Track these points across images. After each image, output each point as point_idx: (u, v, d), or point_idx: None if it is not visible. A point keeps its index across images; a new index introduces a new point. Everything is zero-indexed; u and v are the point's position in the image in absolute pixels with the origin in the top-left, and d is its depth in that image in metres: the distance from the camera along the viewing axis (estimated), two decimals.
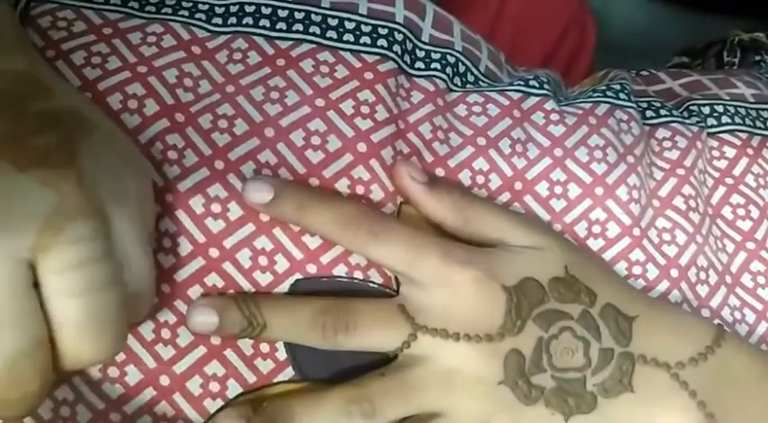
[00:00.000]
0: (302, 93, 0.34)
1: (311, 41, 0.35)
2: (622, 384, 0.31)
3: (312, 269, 0.32)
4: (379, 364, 0.32)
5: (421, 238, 0.32)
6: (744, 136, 0.41)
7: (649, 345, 0.32)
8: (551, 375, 0.31)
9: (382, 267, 0.33)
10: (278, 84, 0.34)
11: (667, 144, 0.39)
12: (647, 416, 0.32)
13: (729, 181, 0.39)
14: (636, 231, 0.35)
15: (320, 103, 0.34)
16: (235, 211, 0.32)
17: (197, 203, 0.32)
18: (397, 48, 0.36)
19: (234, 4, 0.36)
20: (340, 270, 0.33)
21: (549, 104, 0.38)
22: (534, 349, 0.31)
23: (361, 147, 0.34)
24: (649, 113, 0.41)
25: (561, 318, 0.32)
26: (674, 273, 0.36)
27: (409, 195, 0.33)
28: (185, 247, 0.32)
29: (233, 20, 0.35)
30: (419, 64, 0.37)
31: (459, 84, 0.38)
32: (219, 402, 0.31)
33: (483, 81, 0.40)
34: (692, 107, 0.42)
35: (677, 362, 0.32)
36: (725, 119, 0.41)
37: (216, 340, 0.31)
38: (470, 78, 0.39)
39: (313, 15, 0.36)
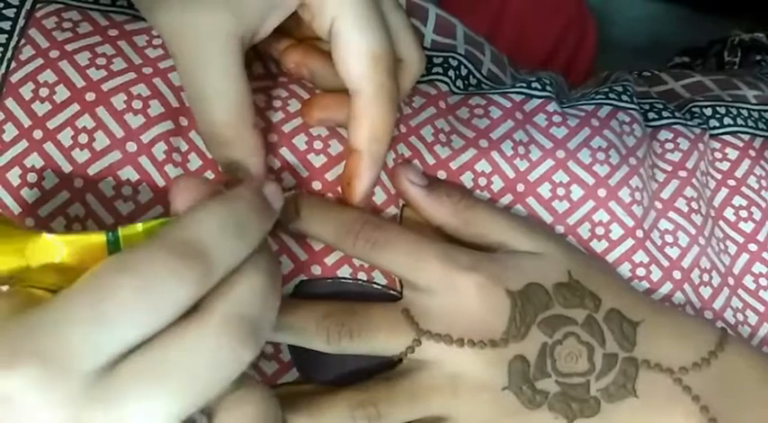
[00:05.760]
0: (301, 99, 0.34)
1: None
2: (626, 389, 0.31)
3: (316, 270, 0.32)
4: (383, 366, 0.32)
5: (422, 242, 0.32)
6: (746, 138, 0.40)
7: (653, 350, 0.32)
8: (555, 380, 0.31)
9: None
10: (280, 94, 0.34)
11: (669, 146, 0.39)
12: (650, 420, 0.32)
13: (732, 183, 0.39)
14: (639, 233, 0.35)
15: None
16: None
17: None
18: None
19: None
20: (344, 271, 0.33)
21: (552, 106, 0.38)
22: (538, 355, 0.31)
23: None
24: (651, 115, 0.41)
25: (566, 323, 0.32)
26: (677, 275, 0.36)
27: (409, 199, 0.33)
28: None
29: None
30: None
31: (462, 86, 0.38)
32: None
33: (485, 83, 0.39)
34: (694, 109, 0.42)
35: (681, 367, 0.32)
36: (727, 120, 0.41)
37: None
38: (473, 81, 0.39)
39: None
